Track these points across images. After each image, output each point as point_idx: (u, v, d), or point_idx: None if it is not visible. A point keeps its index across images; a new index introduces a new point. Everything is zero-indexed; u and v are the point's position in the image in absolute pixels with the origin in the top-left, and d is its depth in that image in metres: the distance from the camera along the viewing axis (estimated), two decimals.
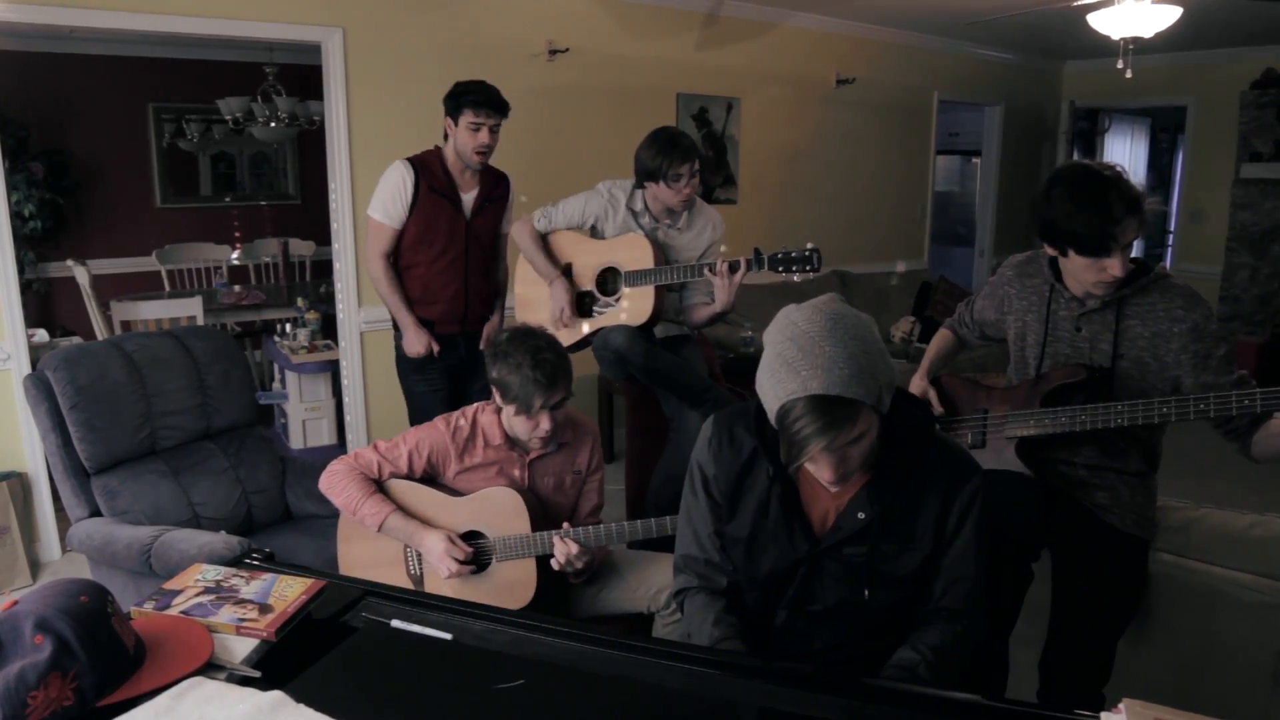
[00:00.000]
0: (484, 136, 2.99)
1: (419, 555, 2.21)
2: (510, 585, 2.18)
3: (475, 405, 2.29)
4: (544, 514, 2.23)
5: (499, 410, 2.22)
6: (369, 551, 2.24)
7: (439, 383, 3.19)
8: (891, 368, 1.36)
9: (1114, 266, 1.85)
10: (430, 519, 2.19)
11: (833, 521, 1.49)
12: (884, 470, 1.46)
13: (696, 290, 2.97)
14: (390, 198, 3.04)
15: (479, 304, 3.19)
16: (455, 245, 3.07)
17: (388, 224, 3.06)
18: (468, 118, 2.97)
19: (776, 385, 1.31)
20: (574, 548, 2.08)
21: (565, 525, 2.13)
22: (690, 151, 2.82)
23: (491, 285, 3.25)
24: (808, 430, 1.28)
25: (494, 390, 2.18)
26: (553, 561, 2.11)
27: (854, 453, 1.36)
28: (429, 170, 3.04)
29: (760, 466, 1.53)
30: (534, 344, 2.11)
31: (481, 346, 3.19)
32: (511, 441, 2.22)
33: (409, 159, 3.06)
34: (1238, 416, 1.85)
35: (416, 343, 3.11)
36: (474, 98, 2.96)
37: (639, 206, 2.96)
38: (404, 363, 3.20)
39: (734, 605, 1.60)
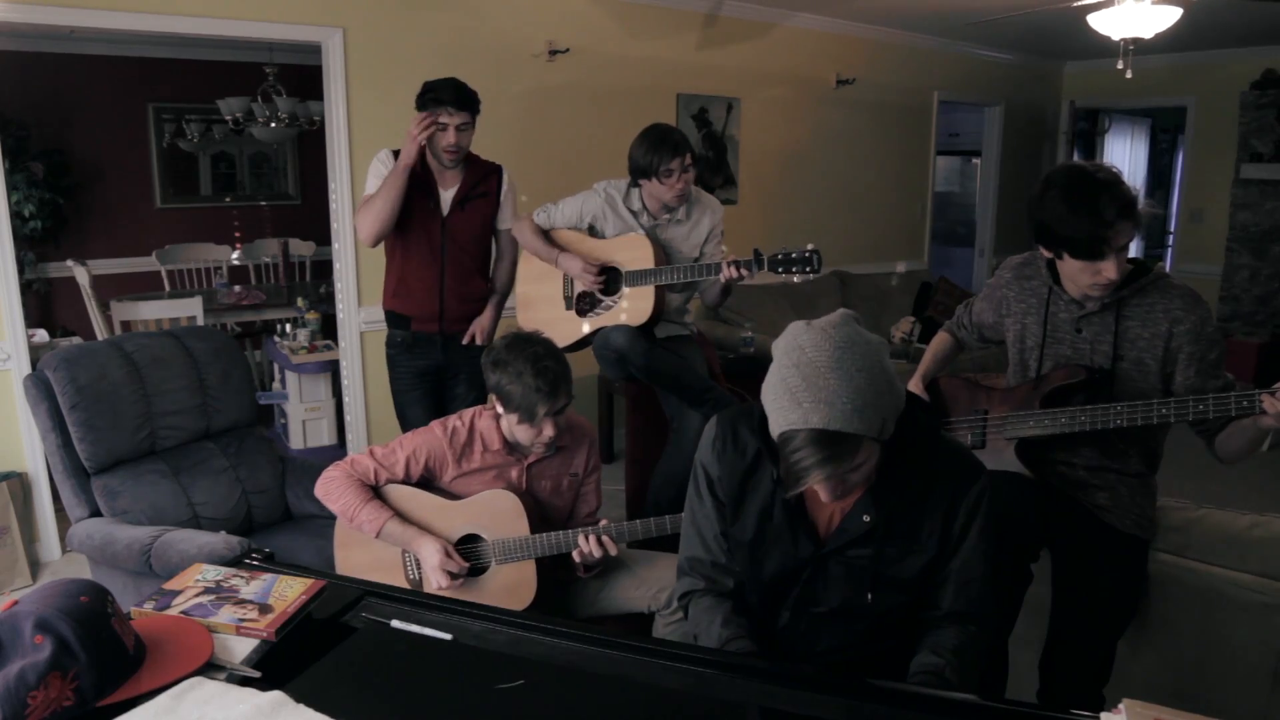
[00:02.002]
0: (450, 137, 2.89)
1: (418, 560, 2.21)
2: (510, 587, 2.17)
3: (472, 410, 2.29)
4: (541, 517, 2.23)
5: (497, 416, 2.21)
6: (367, 557, 2.24)
7: (408, 382, 3.13)
8: (899, 394, 1.35)
9: (1108, 269, 1.84)
10: (428, 523, 2.19)
11: (837, 524, 1.49)
12: (889, 473, 1.45)
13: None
14: (376, 174, 2.97)
15: (458, 303, 3.09)
16: (430, 241, 3.01)
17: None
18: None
19: (779, 412, 1.31)
20: (614, 548, 2.09)
21: (604, 522, 2.13)
22: (681, 146, 2.81)
23: (478, 285, 3.16)
24: (807, 463, 1.28)
25: (493, 398, 2.17)
26: (575, 554, 2.11)
27: (853, 478, 1.37)
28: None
29: (764, 468, 1.52)
30: (533, 351, 2.10)
31: (464, 340, 3.13)
32: (510, 446, 2.22)
33: (393, 149, 3.00)
34: (1213, 417, 1.86)
35: (410, 149, 2.88)
36: (434, 94, 2.89)
37: (636, 205, 2.96)
38: (387, 361, 3.17)
39: (741, 606, 1.59)
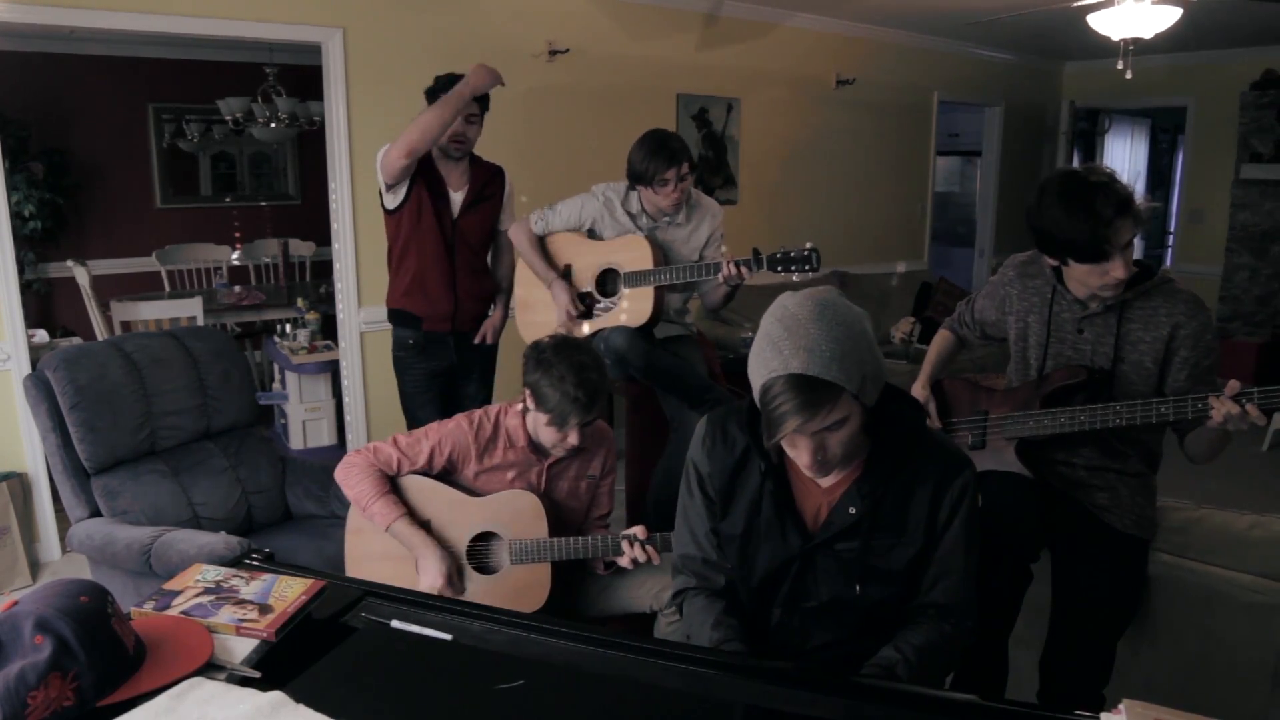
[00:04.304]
0: (458, 126, 2.94)
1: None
2: (522, 589, 2.18)
3: (498, 406, 2.29)
4: (557, 518, 2.24)
5: (524, 413, 2.21)
6: (380, 545, 2.23)
7: (421, 384, 3.16)
8: (880, 362, 1.38)
9: (1116, 269, 1.84)
10: (446, 517, 2.20)
11: (825, 517, 1.50)
12: (874, 465, 1.47)
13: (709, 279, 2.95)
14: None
15: (471, 303, 3.14)
16: (443, 241, 3.04)
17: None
18: None
19: (761, 364, 1.34)
20: (656, 559, 2.09)
21: (637, 529, 2.11)
22: (678, 155, 2.79)
23: (488, 283, 3.21)
24: (785, 408, 1.30)
25: (526, 393, 2.17)
26: (623, 560, 2.11)
27: (833, 441, 1.37)
28: (421, 163, 3.01)
29: (753, 463, 1.53)
30: (580, 360, 2.10)
31: (476, 340, 3.16)
32: (534, 446, 2.22)
33: None
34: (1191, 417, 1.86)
35: (479, 73, 2.89)
36: (446, 83, 2.93)
37: (635, 208, 2.95)
38: (396, 363, 3.19)
39: (733, 606, 1.60)
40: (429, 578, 2.13)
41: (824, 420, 1.32)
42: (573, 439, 2.13)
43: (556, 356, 2.10)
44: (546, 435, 2.16)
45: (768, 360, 1.32)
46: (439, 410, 3.09)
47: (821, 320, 1.31)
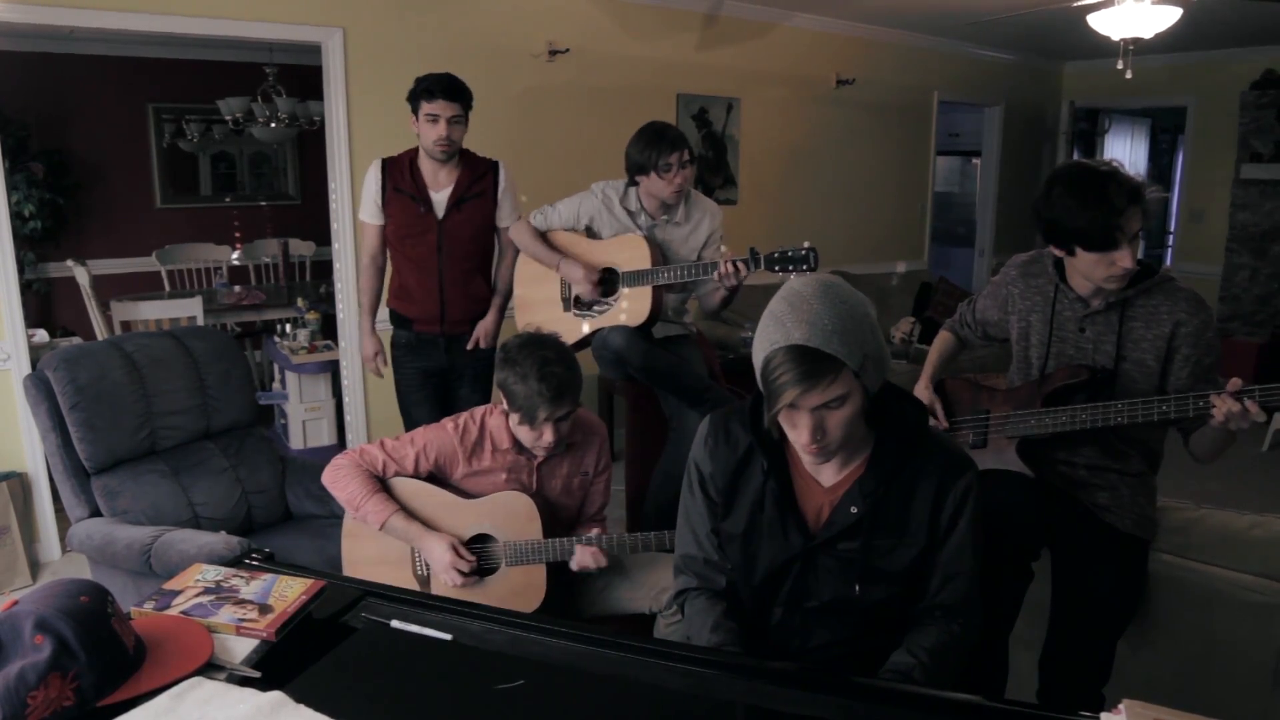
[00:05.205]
0: (441, 129, 2.91)
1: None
2: (518, 590, 2.17)
3: (484, 408, 2.28)
4: (552, 516, 2.23)
5: (507, 414, 2.21)
6: (375, 549, 2.23)
7: (415, 382, 3.17)
8: (882, 347, 1.39)
9: (1123, 258, 1.85)
10: (439, 520, 2.18)
11: (826, 517, 1.49)
12: (876, 465, 1.47)
13: (707, 279, 2.95)
14: (365, 197, 3.10)
15: (462, 304, 3.11)
16: (425, 244, 3.03)
17: (369, 222, 3.12)
18: (423, 109, 2.93)
19: (764, 339, 1.36)
20: (604, 560, 2.09)
21: (596, 531, 2.12)
22: (678, 141, 2.81)
23: (481, 284, 3.17)
24: (785, 378, 1.31)
25: (500, 394, 2.17)
26: (572, 563, 2.10)
27: (832, 421, 1.37)
28: (397, 170, 3.02)
29: (756, 461, 1.54)
30: (543, 354, 2.07)
31: (469, 345, 3.14)
32: (520, 446, 2.21)
33: (385, 158, 3.06)
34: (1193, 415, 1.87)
35: (366, 346, 3.27)
36: (425, 85, 2.92)
37: (634, 206, 2.95)
38: (393, 361, 3.21)
39: (734, 607, 1.60)
40: (440, 563, 2.11)
41: (823, 394, 1.33)
42: (547, 436, 2.10)
43: (521, 353, 2.08)
44: (523, 435, 2.14)
45: (770, 334, 1.35)
46: (434, 410, 3.08)
47: (825, 297, 1.34)
